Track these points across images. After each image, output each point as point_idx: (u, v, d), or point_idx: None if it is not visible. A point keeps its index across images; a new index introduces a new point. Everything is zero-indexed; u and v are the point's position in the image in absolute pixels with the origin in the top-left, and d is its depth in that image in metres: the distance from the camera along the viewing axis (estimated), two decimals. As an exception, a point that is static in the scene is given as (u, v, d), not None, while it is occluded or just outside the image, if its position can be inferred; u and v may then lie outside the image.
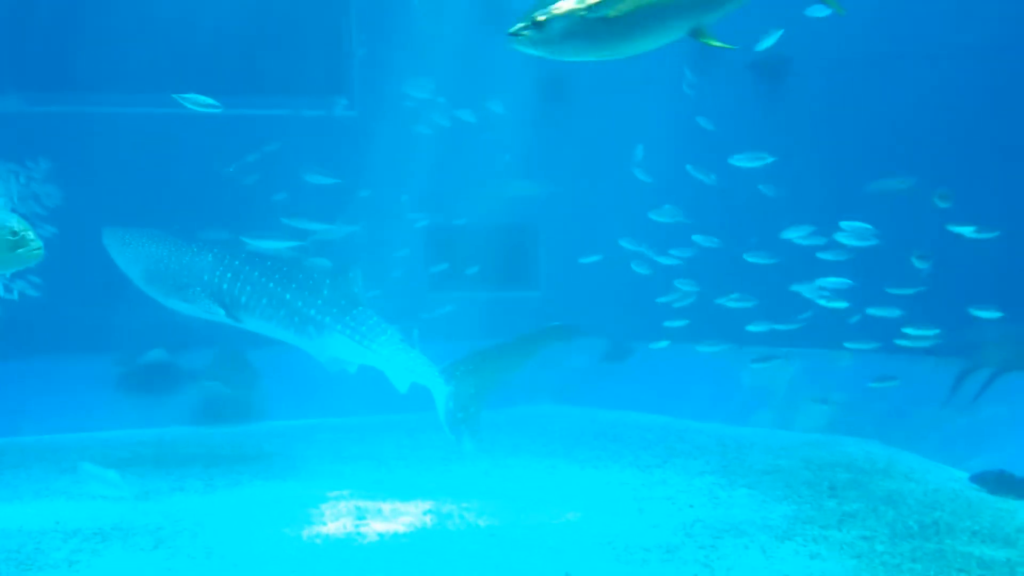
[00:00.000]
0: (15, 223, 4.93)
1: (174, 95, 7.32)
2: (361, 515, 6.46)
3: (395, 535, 6.04)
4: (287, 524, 6.26)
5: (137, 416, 9.55)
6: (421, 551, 5.72)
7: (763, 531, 6.09)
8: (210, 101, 7.43)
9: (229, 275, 7.95)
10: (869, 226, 8.16)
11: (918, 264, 8.43)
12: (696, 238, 9.04)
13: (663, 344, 9.60)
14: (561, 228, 10.60)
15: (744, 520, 6.33)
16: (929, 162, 9.07)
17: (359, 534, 6.06)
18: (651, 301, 9.41)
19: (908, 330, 8.13)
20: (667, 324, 9.26)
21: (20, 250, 4.94)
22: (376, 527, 6.20)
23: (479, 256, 10.43)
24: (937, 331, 8.07)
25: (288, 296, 7.89)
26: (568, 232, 10.54)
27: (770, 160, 8.41)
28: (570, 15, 4.41)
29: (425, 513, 6.48)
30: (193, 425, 9.53)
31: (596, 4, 4.42)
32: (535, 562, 5.50)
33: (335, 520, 6.34)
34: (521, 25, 4.50)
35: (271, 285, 7.93)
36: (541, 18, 4.44)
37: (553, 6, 4.45)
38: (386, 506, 6.65)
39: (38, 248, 5.00)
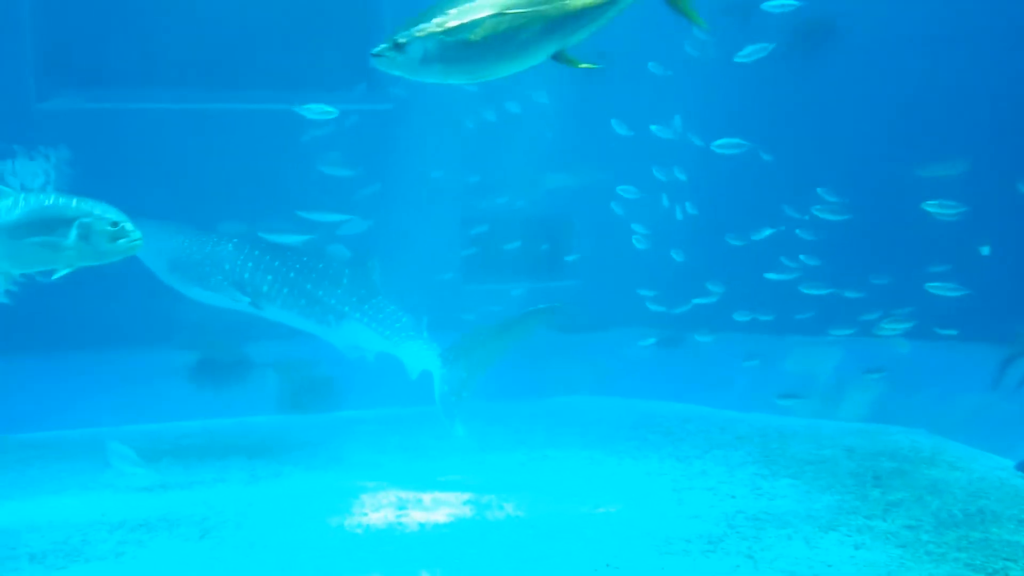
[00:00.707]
0: (115, 215, 5.09)
1: (295, 106, 7.59)
2: (402, 506, 6.49)
3: (436, 525, 6.07)
4: (329, 514, 6.31)
5: (194, 408, 9.61)
6: (461, 541, 5.74)
7: (806, 521, 6.03)
8: (329, 109, 7.67)
9: (250, 264, 8.16)
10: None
11: (983, 251, 8.29)
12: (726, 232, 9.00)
13: (702, 335, 9.55)
14: (597, 217, 10.53)
15: (787, 511, 6.28)
16: (986, 145, 8.86)
17: (400, 524, 6.10)
18: (689, 290, 9.36)
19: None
20: (704, 313, 9.21)
21: (120, 241, 5.10)
22: (417, 517, 6.23)
23: (515, 247, 10.42)
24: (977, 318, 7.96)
25: (309, 286, 8.10)
26: (604, 221, 10.48)
27: (745, 146, 8.38)
28: (429, 38, 4.52)
29: (465, 504, 6.50)
30: (275, 414, 9.58)
31: (455, 28, 4.50)
32: (575, 553, 5.49)
33: (376, 511, 6.39)
34: (383, 46, 4.62)
35: (292, 275, 8.13)
36: (402, 41, 4.56)
37: (415, 28, 4.55)
38: (426, 497, 6.68)
39: (137, 239, 5.15)
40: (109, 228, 5.14)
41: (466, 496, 6.67)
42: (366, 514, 6.31)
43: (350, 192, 9.47)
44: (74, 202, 5.18)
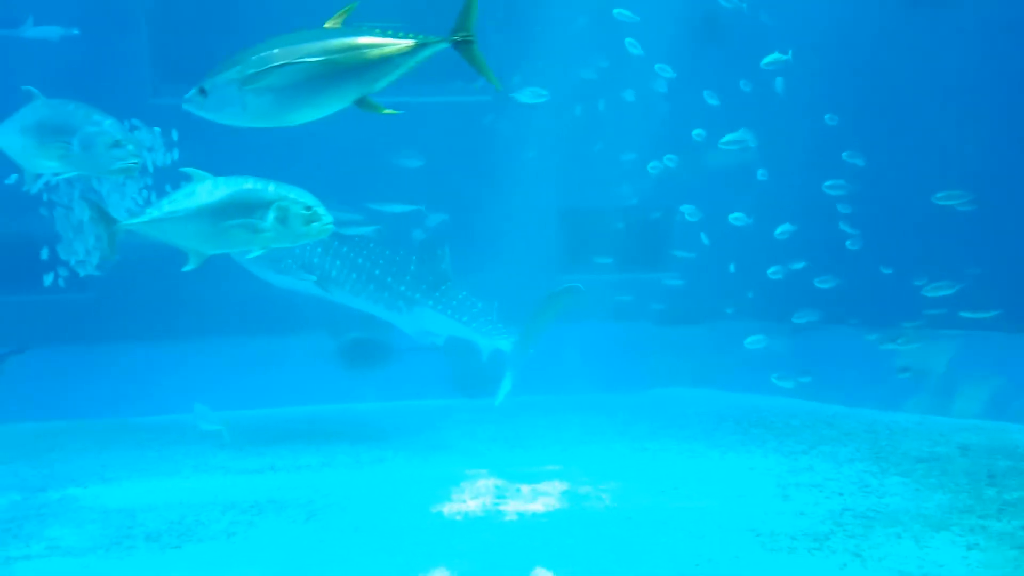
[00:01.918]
0: (309, 199, 5.30)
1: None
2: (500, 494, 6.54)
3: (533, 515, 6.09)
4: (429, 501, 6.40)
5: (325, 392, 9.86)
6: (559, 532, 5.74)
7: (917, 520, 5.83)
8: (542, 92, 7.88)
9: (319, 250, 8.42)
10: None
11: None
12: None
13: (805, 323, 9.31)
14: (694, 207, 10.39)
15: (896, 509, 6.07)
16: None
17: (498, 512, 6.14)
18: (792, 282, 9.14)
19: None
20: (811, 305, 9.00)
21: (314, 224, 5.32)
22: (514, 506, 6.26)
23: (611, 237, 10.35)
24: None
25: (377, 272, 8.42)
26: (702, 211, 10.32)
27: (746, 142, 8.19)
28: (231, 86, 4.71)
29: (563, 494, 6.50)
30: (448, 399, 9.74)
31: (254, 76, 4.66)
32: (675, 547, 5.43)
33: (475, 498, 6.45)
34: (191, 92, 4.85)
35: (360, 260, 8.43)
36: (206, 88, 4.79)
37: (217, 77, 4.76)
38: (524, 486, 6.71)
39: (329, 223, 5.36)
40: (304, 212, 5.34)
41: (564, 487, 6.67)
42: (465, 501, 6.38)
43: (447, 184, 9.58)
44: (271, 186, 5.39)
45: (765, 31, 9.41)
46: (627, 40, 9.31)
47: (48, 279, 9.36)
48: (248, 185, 5.37)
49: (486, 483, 6.80)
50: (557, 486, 6.69)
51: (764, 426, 8.46)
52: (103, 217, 5.57)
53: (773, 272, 9.36)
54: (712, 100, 9.38)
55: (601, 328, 10.10)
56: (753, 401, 9.51)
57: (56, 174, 6.55)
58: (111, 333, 9.74)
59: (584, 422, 8.55)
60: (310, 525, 5.98)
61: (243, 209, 5.33)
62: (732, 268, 9.72)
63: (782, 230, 9.16)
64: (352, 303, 8.63)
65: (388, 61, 4.74)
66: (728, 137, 8.79)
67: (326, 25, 4.83)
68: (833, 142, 9.08)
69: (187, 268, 5.62)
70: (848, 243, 9.24)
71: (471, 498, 6.46)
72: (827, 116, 8.97)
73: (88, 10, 9.66)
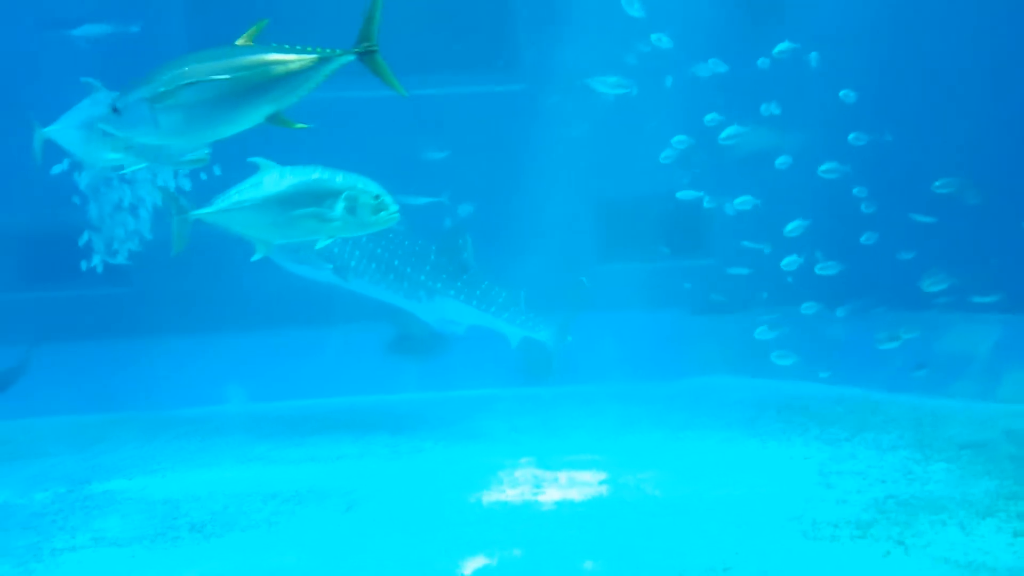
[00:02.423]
0: (376, 188, 5.37)
1: (587, 80, 7.86)
2: (538, 484, 6.53)
3: (572, 504, 6.08)
4: (468, 490, 6.41)
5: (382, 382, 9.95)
6: (599, 521, 5.72)
7: (962, 507, 5.72)
8: (625, 81, 7.92)
9: (339, 240, 8.44)
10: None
11: None
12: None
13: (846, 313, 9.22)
14: (733, 195, 10.30)
15: (941, 496, 5.97)
16: None
17: (537, 502, 6.14)
18: (834, 267, 9.04)
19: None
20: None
21: (382, 213, 5.39)
22: (553, 496, 6.25)
23: (649, 226, 10.30)
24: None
25: (396, 262, 8.49)
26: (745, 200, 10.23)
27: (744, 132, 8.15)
28: (141, 105, 4.80)
29: (601, 483, 6.48)
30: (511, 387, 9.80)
31: (163, 95, 4.75)
32: (716, 536, 5.39)
33: (513, 488, 6.45)
34: (108, 109, 4.95)
35: (379, 251, 8.49)
36: (119, 106, 4.90)
37: (129, 95, 4.86)
38: (562, 475, 6.70)
39: (395, 212, 5.43)
40: (372, 201, 5.41)
41: (602, 476, 6.65)
42: (503, 491, 6.38)
43: (478, 173, 9.58)
44: (339, 176, 5.45)
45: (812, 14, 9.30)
46: (654, 36, 9.25)
47: (89, 273, 9.52)
48: (316, 175, 5.44)
49: (524, 472, 6.80)
50: (595, 475, 6.67)
51: (806, 414, 8.36)
52: (175, 206, 5.63)
53: (815, 263, 9.24)
54: (750, 86, 9.31)
55: (638, 316, 10.07)
56: (794, 388, 9.40)
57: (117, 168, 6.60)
58: (153, 326, 9.89)
59: (622, 411, 8.52)
60: (350, 514, 6.02)
61: (312, 198, 5.42)
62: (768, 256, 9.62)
63: (795, 225, 9.07)
64: (371, 292, 8.74)
65: (294, 76, 4.84)
66: (729, 131, 8.71)
67: (237, 43, 4.93)
68: (878, 124, 8.93)
69: (255, 258, 5.71)
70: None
71: (510, 487, 6.46)
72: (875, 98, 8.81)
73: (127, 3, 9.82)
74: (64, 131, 6.27)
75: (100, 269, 9.44)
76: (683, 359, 9.95)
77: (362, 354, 10.27)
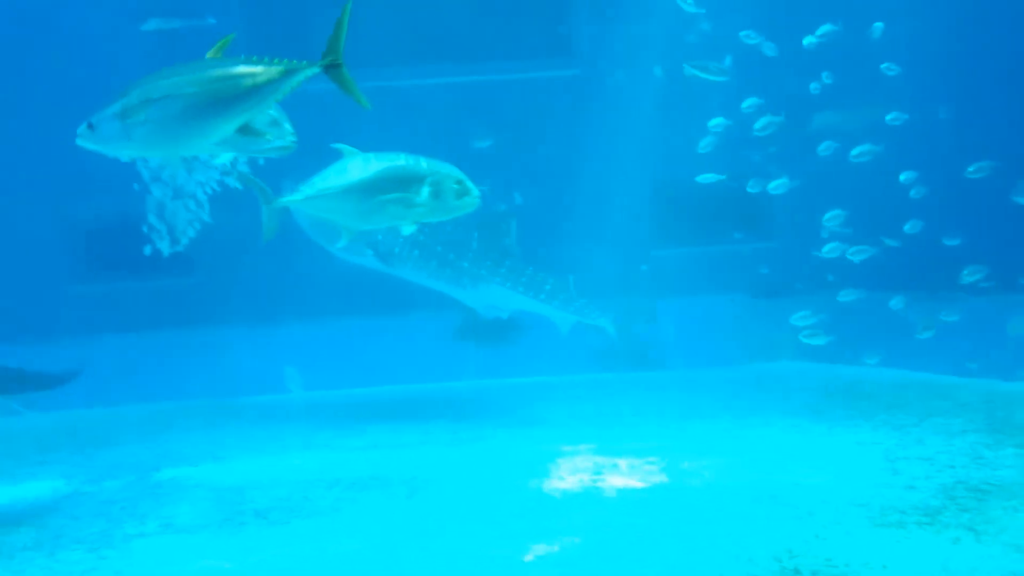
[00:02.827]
0: (458, 173, 5.45)
1: (687, 63, 7.89)
2: (598, 470, 6.50)
3: (633, 491, 6.04)
4: (528, 477, 6.41)
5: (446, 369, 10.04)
6: (660, 508, 5.67)
7: (1036, 494, 5.56)
8: (724, 67, 7.96)
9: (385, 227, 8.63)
10: None
11: None
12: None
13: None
14: (796, 175, 10.13)
15: (1013, 481, 5.80)
16: None
17: (597, 489, 6.11)
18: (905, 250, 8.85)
19: None
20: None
21: (465, 198, 5.46)
22: (614, 482, 6.22)
23: (708, 208, 10.17)
24: None
25: (439, 248, 8.61)
26: (804, 179, 10.05)
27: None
28: (113, 120, 4.88)
29: (663, 470, 6.43)
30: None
31: (133, 110, 4.84)
32: (780, 523, 5.31)
33: (573, 474, 6.43)
34: (82, 126, 5.01)
35: (422, 238, 8.53)
36: (93, 122, 4.97)
37: (102, 112, 4.93)
38: (623, 462, 6.66)
39: (477, 196, 5.50)
40: (455, 186, 5.47)
41: (664, 462, 6.60)
42: (563, 478, 6.37)
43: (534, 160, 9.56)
44: (423, 162, 5.50)
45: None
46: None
47: (154, 264, 9.73)
48: (401, 161, 5.48)
49: (584, 459, 6.78)
50: (657, 462, 6.62)
51: (872, 399, 8.20)
52: (263, 194, 5.72)
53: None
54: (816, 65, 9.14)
55: (701, 302, 9.98)
56: (861, 373, 9.24)
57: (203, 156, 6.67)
58: (218, 316, 10.09)
59: (684, 398, 8.46)
60: (412, 501, 6.06)
61: (398, 184, 5.46)
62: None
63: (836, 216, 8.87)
64: (416, 279, 8.81)
65: (261, 89, 4.92)
66: (762, 121, 8.57)
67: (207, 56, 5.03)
68: (952, 102, 8.69)
69: (339, 245, 5.80)
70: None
71: (569, 474, 6.44)
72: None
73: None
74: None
75: (164, 255, 9.62)
76: (746, 344, 9.82)
77: (423, 342, 10.34)
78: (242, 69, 4.94)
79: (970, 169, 8.71)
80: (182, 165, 8.84)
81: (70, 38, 10.10)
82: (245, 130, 5.05)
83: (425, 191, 5.42)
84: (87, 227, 10.39)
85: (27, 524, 6.02)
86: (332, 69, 4.89)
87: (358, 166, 5.51)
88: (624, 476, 6.34)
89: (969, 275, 8.72)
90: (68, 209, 10.23)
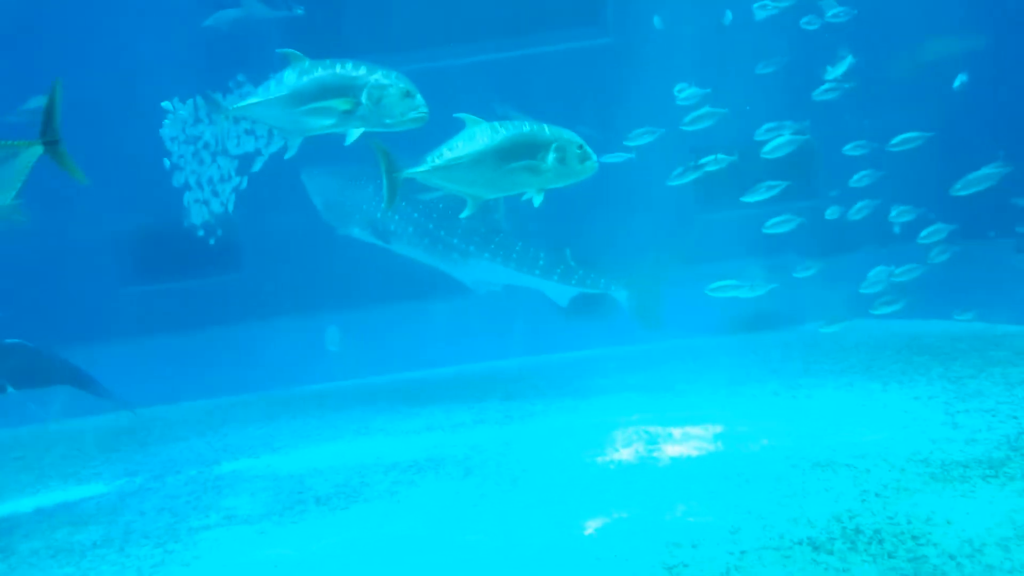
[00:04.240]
0: (578, 139, 5.51)
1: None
2: (652, 440, 6.49)
3: (688, 459, 6.02)
4: (582, 451, 6.42)
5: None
6: (716, 475, 5.64)
7: (1104, 441, 5.43)
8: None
9: (383, 205, 8.68)
10: None
11: None
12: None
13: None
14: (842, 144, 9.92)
15: (1080, 430, 5.68)
16: None
17: (652, 459, 6.10)
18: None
19: None
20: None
21: (587, 162, 5.53)
22: (668, 451, 6.20)
23: (755, 171, 10.00)
24: None
25: (431, 226, 8.86)
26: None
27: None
28: None
29: (717, 437, 6.39)
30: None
31: None
32: (839, 484, 5.25)
33: (627, 446, 6.42)
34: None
35: (415, 215, 8.91)
36: None
37: None
38: (676, 431, 6.63)
39: (595, 162, 5.61)
40: (578, 151, 5.50)
41: (717, 429, 6.56)
42: (617, 450, 6.37)
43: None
44: (547, 129, 5.53)
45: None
46: None
47: (202, 263, 9.90)
48: (526, 128, 5.49)
49: (637, 430, 6.76)
50: (711, 429, 6.59)
51: (928, 353, 8.06)
52: (388, 164, 5.68)
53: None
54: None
55: (748, 265, 9.84)
56: (913, 328, 9.08)
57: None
58: (268, 309, 10.21)
59: (735, 363, 8.39)
60: (468, 481, 6.11)
61: (525, 151, 5.46)
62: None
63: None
64: (412, 255, 9.12)
65: None
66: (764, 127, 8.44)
67: None
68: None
69: (464, 214, 5.78)
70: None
71: (623, 446, 6.44)
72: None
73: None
74: (264, 105, 5.97)
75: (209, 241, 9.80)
76: (796, 305, 9.69)
77: (468, 323, 10.37)
78: None
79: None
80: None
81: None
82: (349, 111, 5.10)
83: (551, 157, 5.43)
84: (137, 232, 10.57)
85: (96, 522, 6.18)
86: (50, 146, 4.86)
87: (484, 135, 5.49)
88: (679, 445, 6.32)
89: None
90: (119, 215, 10.41)
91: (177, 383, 9.86)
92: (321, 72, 5.54)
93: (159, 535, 5.78)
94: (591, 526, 5.04)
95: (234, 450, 7.65)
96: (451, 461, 6.56)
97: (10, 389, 8.16)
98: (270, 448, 7.58)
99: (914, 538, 4.47)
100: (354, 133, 5.64)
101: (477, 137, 5.45)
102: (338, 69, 5.50)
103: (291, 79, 5.58)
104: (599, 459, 6.21)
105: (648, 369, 8.72)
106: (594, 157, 5.52)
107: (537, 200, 5.78)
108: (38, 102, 9.94)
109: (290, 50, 5.66)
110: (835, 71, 8.90)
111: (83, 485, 7.19)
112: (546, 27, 10.26)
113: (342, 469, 6.70)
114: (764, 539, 4.63)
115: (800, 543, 4.54)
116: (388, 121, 5.54)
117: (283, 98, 5.58)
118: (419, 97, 5.54)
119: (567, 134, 5.49)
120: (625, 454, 6.26)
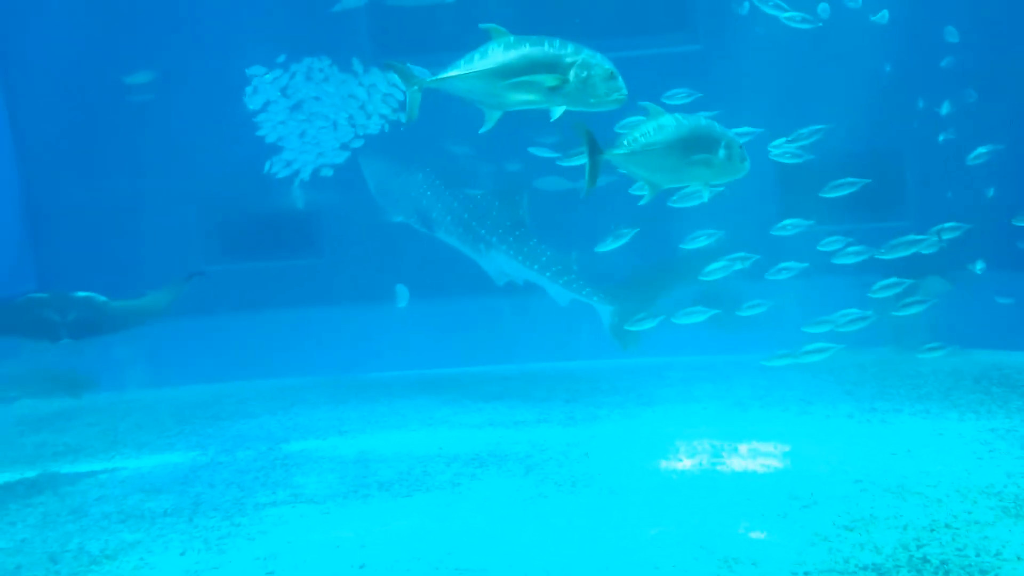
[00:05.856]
0: (731, 134, 5.59)
1: None
2: (716, 453, 6.43)
3: (754, 475, 5.95)
4: (644, 457, 6.40)
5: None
6: (783, 493, 5.57)
7: None
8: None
9: (429, 193, 9.37)
10: None
11: None
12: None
13: None
14: (934, 150, 9.66)
15: None
16: None
17: (716, 472, 6.05)
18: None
19: None
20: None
21: (745, 161, 5.65)
22: (734, 466, 6.15)
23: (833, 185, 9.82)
24: None
25: (466, 215, 9.18)
26: (943, 154, 9.58)
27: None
28: None
29: (784, 456, 6.31)
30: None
31: None
32: (907, 512, 5.15)
33: (690, 456, 6.38)
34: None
35: (455, 204, 9.25)
36: None
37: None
38: (742, 446, 6.56)
39: (748, 161, 5.62)
40: (740, 151, 5.62)
41: (785, 447, 6.48)
42: (680, 460, 6.33)
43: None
44: (717, 125, 5.65)
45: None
46: None
47: (285, 246, 10.14)
48: (703, 122, 5.60)
49: (702, 442, 6.72)
50: (778, 447, 6.51)
51: (1007, 385, 7.84)
52: (589, 145, 5.78)
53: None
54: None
55: (825, 283, 9.66)
56: (994, 358, 8.83)
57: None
58: (344, 295, 10.38)
59: (807, 381, 8.26)
60: (529, 478, 6.14)
61: (703, 145, 5.55)
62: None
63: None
64: (451, 243, 9.44)
65: None
66: (777, 141, 8.19)
67: None
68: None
69: (643, 203, 5.87)
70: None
71: (687, 456, 6.40)
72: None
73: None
74: (466, 77, 5.76)
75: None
76: (874, 327, 9.48)
77: (536, 322, 10.39)
78: None
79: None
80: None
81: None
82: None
83: (722, 153, 5.52)
84: (222, 213, 10.83)
85: (167, 491, 6.37)
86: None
87: (671, 124, 5.59)
88: (745, 460, 6.26)
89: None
90: (205, 196, 10.67)
91: (254, 360, 10.09)
92: (530, 48, 5.58)
93: (227, 508, 5.93)
94: (649, 534, 5.03)
95: (303, 430, 7.80)
96: (512, 458, 6.60)
97: (66, 340, 8.32)
98: (338, 431, 7.72)
99: (982, 572, 4.37)
100: (557, 111, 5.69)
101: (666, 126, 5.53)
102: (546, 47, 5.58)
103: (497, 53, 5.61)
104: (661, 468, 6.19)
105: (714, 381, 8.63)
106: (749, 159, 5.57)
107: (706, 195, 5.84)
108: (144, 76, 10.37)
109: (493, 25, 5.71)
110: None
111: (156, 455, 7.41)
112: (638, 32, 10.22)
113: (406, 457, 6.79)
114: (829, 562, 4.57)
115: (865, 568, 4.47)
116: (592, 101, 5.57)
117: (489, 71, 5.61)
118: (621, 80, 5.58)
119: (731, 133, 5.58)
120: (688, 465, 6.22)
